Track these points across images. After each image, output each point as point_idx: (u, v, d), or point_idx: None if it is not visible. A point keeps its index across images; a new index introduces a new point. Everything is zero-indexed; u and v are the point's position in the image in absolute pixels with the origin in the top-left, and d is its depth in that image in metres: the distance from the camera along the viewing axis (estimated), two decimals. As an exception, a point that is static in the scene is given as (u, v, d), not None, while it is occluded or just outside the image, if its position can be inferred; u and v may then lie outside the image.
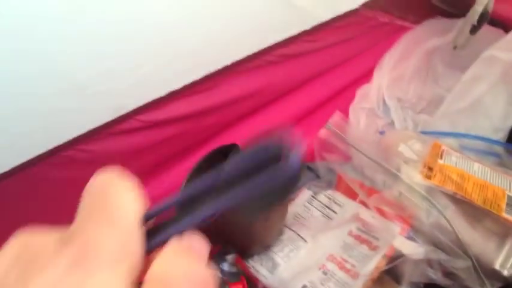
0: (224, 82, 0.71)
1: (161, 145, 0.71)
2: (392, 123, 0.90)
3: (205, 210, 0.25)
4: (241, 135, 0.80)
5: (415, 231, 0.66)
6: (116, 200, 0.21)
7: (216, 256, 0.76)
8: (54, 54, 0.52)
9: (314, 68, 0.83)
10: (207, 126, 0.75)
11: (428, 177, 0.66)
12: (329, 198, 0.78)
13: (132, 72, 0.59)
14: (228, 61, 0.69)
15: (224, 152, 0.72)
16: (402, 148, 0.72)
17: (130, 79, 0.59)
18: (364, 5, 0.82)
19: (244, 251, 0.75)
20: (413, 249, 0.63)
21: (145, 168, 0.71)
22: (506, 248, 0.64)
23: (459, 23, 0.89)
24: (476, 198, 0.64)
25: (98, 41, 0.54)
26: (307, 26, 0.75)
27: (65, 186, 0.52)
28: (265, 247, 0.74)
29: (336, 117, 0.79)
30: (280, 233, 0.75)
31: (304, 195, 0.81)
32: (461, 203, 0.65)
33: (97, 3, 0.50)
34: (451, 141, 0.79)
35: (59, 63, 0.54)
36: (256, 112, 0.81)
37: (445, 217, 0.63)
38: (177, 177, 0.71)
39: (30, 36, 0.49)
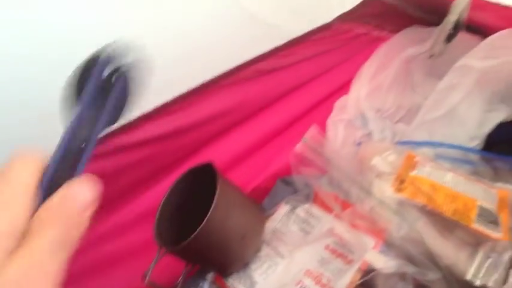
0: (198, 101, 0.72)
1: (136, 167, 0.72)
2: (370, 135, 0.90)
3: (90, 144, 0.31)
4: (217, 153, 0.81)
5: (387, 245, 0.66)
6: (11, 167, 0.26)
7: (195, 276, 0.77)
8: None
9: (290, 82, 0.84)
10: (182, 146, 0.76)
11: (400, 190, 0.67)
12: (307, 212, 0.79)
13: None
14: (199, 80, 0.70)
15: (200, 172, 0.73)
16: (376, 161, 0.73)
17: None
18: (338, 18, 0.83)
19: (223, 270, 0.75)
20: (384, 263, 0.64)
21: (121, 191, 0.72)
22: (478, 257, 0.64)
23: (435, 31, 0.89)
24: (446, 209, 0.64)
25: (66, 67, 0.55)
26: (280, 42, 0.75)
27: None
28: (244, 264, 0.75)
29: (313, 131, 0.80)
30: (258, 249, 0.76)
31: (282, 209, 0.81)
32: (432, 214, 0.66)
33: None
34: (427, 150, 0.79)
35: (25, 91, 0.55)
36: (232, 129, 0.82)
37: (415, 230, 0.63)
38: (152, 198, 0.72)
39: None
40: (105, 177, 0.69)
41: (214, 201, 0.63)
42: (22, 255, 0.24)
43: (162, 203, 0.70)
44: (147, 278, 0.63)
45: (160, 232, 0.69)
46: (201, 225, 0.62)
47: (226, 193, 0.67)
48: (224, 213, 0.66)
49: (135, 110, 0.66)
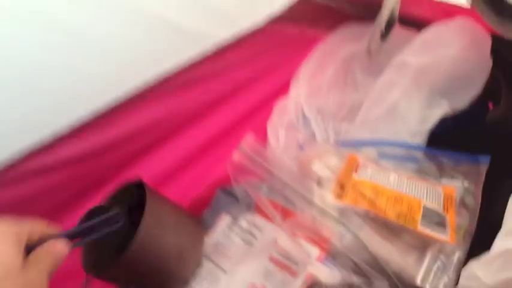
0: (118, 117, 0.67)
1: (56, 190, 0.66)
2: (313, 136, 0.87)
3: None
4: (150, 168, 0.75)
5: (331, 255, 0.63)
6: None
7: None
8: None
9: (224, 89, 0.80)
10: (107, 165, 0.70)
11: (340, 196, 0.64)
12: (249, 223, 0.75)
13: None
14: (117, 94, 0.64)
15: (133, 189, 0.67)
16: (316, 167, 0.69)
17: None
18: (269, 20, 0.78)
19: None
20: (329, 275, 0.60)
21: (42, 216, 0.65)
22: (426, 261, 0.61)
23: (371, 28, 0.87)
24: (390, 213, 0.61)
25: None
26: (203, 49, 0.70)
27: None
28: (183, 283, 0.69)
29: (249, 138, 0.75)
30: (198, 264, 0.71)
31: (223, 221, 0.77)
32: (377, 219, 0.63)
33: None
34: (370, 150, 0.76)
35: None
36: (164, 141, 0.76)
37: (358, 238, 0.60)
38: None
39: None
40: (22, 204, 0.64)
41: (142, 222, 0.58)
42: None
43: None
44: None
45: (87, 258, 0.63)
46: (128, 248, 0.57)
47: (158, 211, 0.62)
48: (156, 233, 0.61)
49: (48, 128, 0.61)
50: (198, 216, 0.81)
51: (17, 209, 0.63)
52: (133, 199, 0.66)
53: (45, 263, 0.47)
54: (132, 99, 0.66)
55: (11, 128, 0.55)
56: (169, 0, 0.60)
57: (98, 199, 0.68)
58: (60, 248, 0.50)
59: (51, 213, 0.68)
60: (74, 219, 0.67)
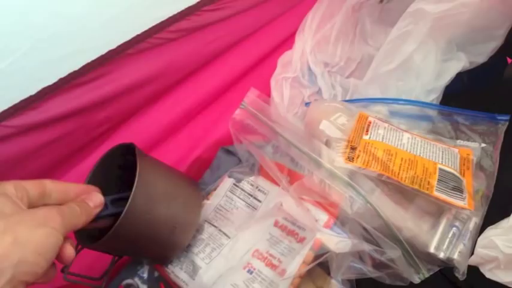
0: (113, 70, 0.62)
1: (45, 150, 0.61)
2: (319, 92, 0.82)
3: None
4: (147, 125, 0.71)
5: (340, 221, 0.59)
6: None
7: (132, 262, 0.69)
8: None
9: (223, 40, 0.74)
10: (99, 123, 0.65)
11: (351, 159, 0.59)
12: (252, 185, 0.71)
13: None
14: (112, 45, 0.58)
15: (126, 151, 0.62)
16: (324, 125, 0.65)
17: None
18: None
19: (158, 260, 0.67)
20: (338, 242, 0.57)
21: (31, 176, 0.61)
22: (441, 228, 0.58)
23: (384, -28, 0.80)
24: (404, 177, 0.57)
25: None
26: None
27: None
28: (180, 249, 0.66)
29: (251, 94, 0.70)
30: (195, 230, 0.67)
31: (225, 183, 0.73)
32: (390, 183, 0.59)
33: None
34: (381, 108, 0.71)
35: None
36: (160, 99, 0.71)
37: (369, 202, 0.56)
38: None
39: None
40: (11, 162, 0.59)
41: (132, 193, 0.54)
42: None
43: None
44: (65, 273, 0.53)
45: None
46: (117, 221, 0.52)
47: (149, 181, 0.57)
48: (147, 202, 0.57)
49: (39, 82, 0.56)
50: (198, 178, 0.77)
51: (2, 170, 0.59)
52: (126, 160, 0.62)
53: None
54: (128, 51, 0.60)
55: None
56: None
57: (91, 159, 0.63)
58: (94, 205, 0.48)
59: (39, 174, 0.64)
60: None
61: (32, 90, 0.55)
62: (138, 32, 0.60)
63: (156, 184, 0.59)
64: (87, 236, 0.56)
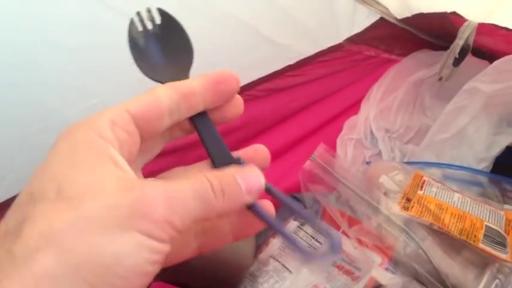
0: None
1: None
2: (379, 154, 0.91)
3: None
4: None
5: (394, 262, 0.67)
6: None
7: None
8: None
9: (299, 101, 0.86)
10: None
11: (406, 208, 0.68)
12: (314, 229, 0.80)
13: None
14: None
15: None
16: (383, 179, 0.74)
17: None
18: (348, 40, 0.85)
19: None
20: (390, 280, 0.64)
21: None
22: (485, 278, 0.64)
23: (444, 55, 0.91)
24: (453, 229, 0.65)
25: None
26: (290, 61, 0.77)
27: None
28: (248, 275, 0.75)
29: (321, 148, 0.81)
30: (264, 262, 0.76)
31: (291, 225, 0.82)
32: (440, 234, 0.66)
33: None
34: (434, 171, 0.80)
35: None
36: (239, 148, 0.83)
37: (422, 248, 0.64)
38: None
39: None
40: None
41: None
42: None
43: None
44: None
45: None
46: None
47: None
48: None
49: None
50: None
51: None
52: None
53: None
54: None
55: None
56: (265, 17, 0.67)
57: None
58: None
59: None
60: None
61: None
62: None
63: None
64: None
